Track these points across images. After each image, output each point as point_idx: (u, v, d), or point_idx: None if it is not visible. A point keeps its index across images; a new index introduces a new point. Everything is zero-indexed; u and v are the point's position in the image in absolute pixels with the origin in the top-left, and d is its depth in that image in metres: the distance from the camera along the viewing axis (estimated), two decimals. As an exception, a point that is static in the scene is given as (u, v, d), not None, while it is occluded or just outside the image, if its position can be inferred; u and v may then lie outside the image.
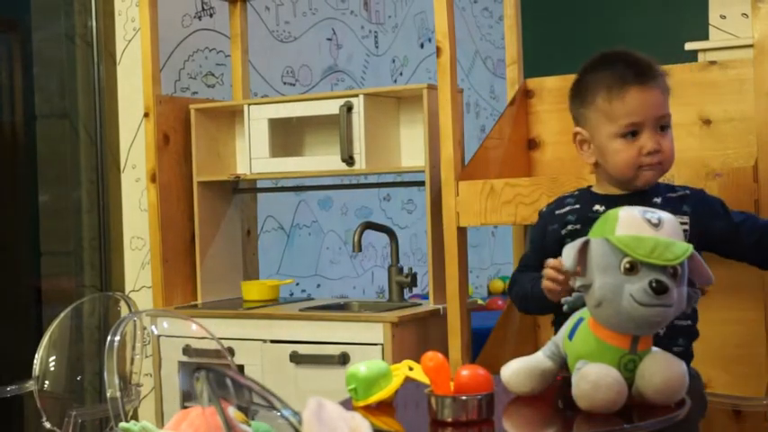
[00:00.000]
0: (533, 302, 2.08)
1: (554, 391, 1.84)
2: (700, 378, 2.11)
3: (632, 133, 2.04)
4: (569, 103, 2.17)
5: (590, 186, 2.16)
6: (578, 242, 1.74)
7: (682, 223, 2.02)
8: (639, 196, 2.03)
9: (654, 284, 1.65)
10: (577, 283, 1.75)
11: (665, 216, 1.73)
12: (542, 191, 2.72)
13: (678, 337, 2.02)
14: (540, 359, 1.83)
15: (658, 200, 2.05)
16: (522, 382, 1.82)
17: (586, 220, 1.94)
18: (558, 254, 1.84)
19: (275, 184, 4.11)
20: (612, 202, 1.98)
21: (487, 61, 5.95)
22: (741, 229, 2.09)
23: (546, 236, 2.13)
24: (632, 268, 1.67)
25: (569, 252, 1.74)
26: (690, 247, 1.70)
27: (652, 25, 5.53)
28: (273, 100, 3.68)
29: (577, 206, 2.12)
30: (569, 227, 2.09)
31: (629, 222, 1.71)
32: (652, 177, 2.06)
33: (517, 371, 1.83)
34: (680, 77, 2.79)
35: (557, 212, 2.14)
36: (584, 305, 1.77)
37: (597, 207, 2.04)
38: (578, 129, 2.12)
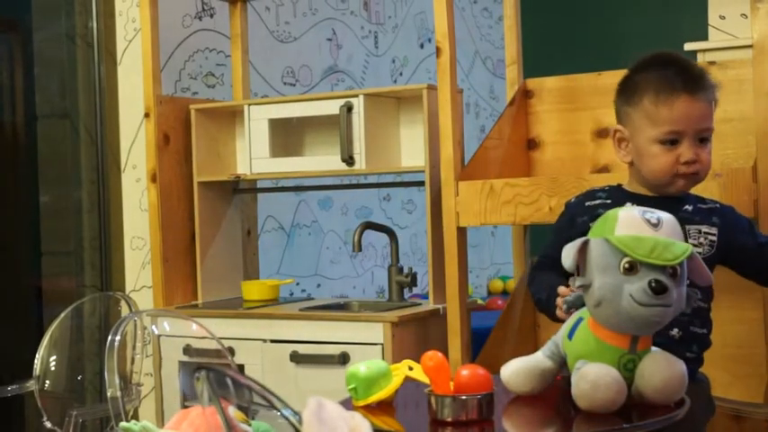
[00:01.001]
0: (547, 313, 2.07)
1: (554, 390, 1.84)
2: (708, 383, 2.11)
3: (672, 141, 2.03)
4: (615, 97, 2.14)
5: (620, 184, 2.16)
6: (578, 242, 1.74)
7: (710, 234, 2.04)
8: (671, 201, 2.03)
9: (653, 284, 1.65)
10: (577, 282, 1.75)
11: (665, 216, 1.73)
12: (542, 191, 2.73)
13: (693, 344, 2.02)
14: (539, 359, 1.83)
15: (689, 207, 2.06)
16: (521, 382, 1.82)
17: None
18: None
19: (275, 184, 4.11)
20: (644, 202, 1.97)
21: (487, 61, 5.95)
22: (764, 250, 2.08)
23: (573, 227, 2.10)
24: (632, 268, 1.67)
25: (569, 252, 1.74)
26: (689, 247, 1.70)
27: (652, 25, 5.53)
28: (273, 100, 3.69)
29: (608, 201, 2.10)
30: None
31: (628, 222, 1.71)
32: (685, 186, 2.06)
33: (517, 370, 1.83)
34: (679, 78, 2.79)
35: (587, 204, 2.13)
36: (583, 305, 1.77)
37: (628, 204, 2.02)
38: (619, 126, 2.11)
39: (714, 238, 2.04)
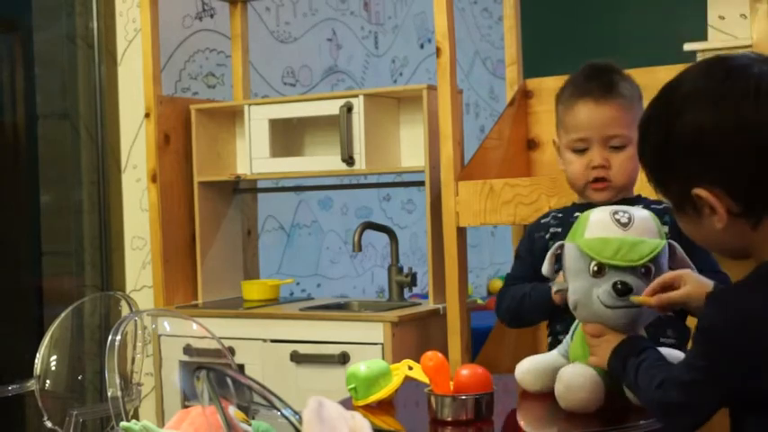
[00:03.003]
0: (529, 307, 2.08)
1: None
2: None
3: (582, 148, 2.05)
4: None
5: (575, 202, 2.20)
6: (554, 247, 1.76)
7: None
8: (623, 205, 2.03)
9: (618, 286, 1.65)
10: (554, 288, 1.78)
11: (637, 214, 1.71)
12: (542, 191, 2.73)
13: (666, 329, 2.01)
14: (553, 357, 1.85)
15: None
16: (532, 381, 1.84)
17: (567, 225, 1.93)
18: None
19: (275, 184, 4.11)
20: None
21: (487, 62, 5.96)
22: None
23: (534, 243, 2.15)
24: (600, 271, 1.67)
25: (547, 258, 1.76)
26: (659, 244, 1.68)
27: (651, 26, 5.53)
28: (274, 100, 3.69)
29: (560, 215, 2.16)
30: (551, 229, 2.12)
31: (598, 224, 1.70)
32: (602, 196, 2.06)
33: (528, 369, 1.85)
34: (679, 78, 2.79)
35: (542, 221, 2.18)
36: None
37: (578, 214, 2.03)
38: (554, 137, 2.16)
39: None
